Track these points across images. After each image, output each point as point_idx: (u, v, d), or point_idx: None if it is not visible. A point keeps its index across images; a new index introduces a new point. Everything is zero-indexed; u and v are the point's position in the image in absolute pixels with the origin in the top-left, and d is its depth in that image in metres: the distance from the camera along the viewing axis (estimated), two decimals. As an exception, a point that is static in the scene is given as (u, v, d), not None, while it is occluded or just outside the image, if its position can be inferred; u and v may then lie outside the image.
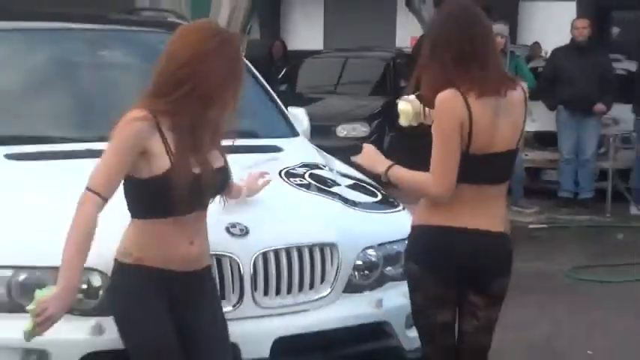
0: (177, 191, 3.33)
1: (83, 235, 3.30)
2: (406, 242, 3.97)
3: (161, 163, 3.35)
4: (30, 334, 3.39)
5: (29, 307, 3.33)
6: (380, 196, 4.51)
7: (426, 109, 3.91)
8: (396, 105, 4.24)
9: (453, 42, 3.63)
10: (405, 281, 4.05)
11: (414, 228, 3.86)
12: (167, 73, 3.36)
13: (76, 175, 4.39)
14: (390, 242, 4.16)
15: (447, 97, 3.57)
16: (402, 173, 3.78)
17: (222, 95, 3.37)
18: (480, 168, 3.65)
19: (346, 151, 4.98)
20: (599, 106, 10.71)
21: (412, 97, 4.02)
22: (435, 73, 3.68)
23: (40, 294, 3.35)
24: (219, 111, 3.42)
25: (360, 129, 12.08)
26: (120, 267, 3.48)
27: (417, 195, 3.87)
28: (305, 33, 20.57)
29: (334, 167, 4.80)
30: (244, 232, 3.77)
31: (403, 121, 4.04)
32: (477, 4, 3.94)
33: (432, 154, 3.64)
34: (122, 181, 3.43)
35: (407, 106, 4.01)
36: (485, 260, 3.81)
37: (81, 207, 3.33)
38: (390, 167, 3.79)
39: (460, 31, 3.67)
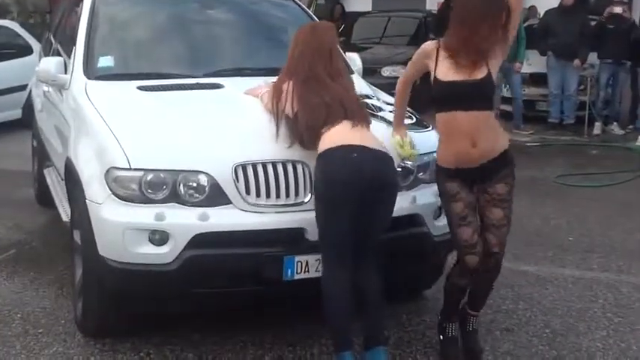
0: None
1: None
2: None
3: None
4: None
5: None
6: (415, 120, 4.28)
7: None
8: None
9: None
10: (434, 183, 3.80)
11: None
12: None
13: (186, 100, 4.26)
14: (421, 154, 3.88)
15: None
16: None
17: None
18: None
19: (389, 87, 4.81)
20: (577, 62, 10.13)
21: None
22: None
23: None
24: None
25: (400, 70, 11.53)
26: None
27: None
28: (358, -1, 21.12)
29: (380, 97, 4.58)
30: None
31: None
32: None
33: None
34: None
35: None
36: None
37: None
38: None
39: None
